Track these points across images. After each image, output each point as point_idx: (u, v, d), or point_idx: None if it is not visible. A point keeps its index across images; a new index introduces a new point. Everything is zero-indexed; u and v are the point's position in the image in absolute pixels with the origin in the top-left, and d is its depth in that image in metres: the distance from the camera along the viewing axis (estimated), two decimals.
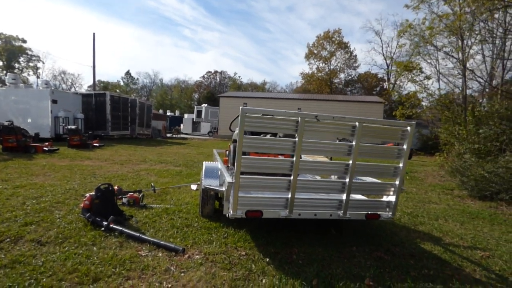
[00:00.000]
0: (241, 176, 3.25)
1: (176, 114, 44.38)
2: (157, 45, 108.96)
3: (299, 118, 3.25)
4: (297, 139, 3.29)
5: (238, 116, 7.65)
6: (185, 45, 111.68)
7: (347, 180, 3.50)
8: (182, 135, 31.64)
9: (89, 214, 4.09)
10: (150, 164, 9.76)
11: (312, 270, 3.15)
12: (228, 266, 3.15)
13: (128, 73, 69.60)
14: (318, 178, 4.84)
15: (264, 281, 2.90)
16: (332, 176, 4.59)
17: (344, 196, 3.55)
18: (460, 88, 13.39)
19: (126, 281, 2.79)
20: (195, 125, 37.70)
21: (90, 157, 10.61)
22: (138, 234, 3.75)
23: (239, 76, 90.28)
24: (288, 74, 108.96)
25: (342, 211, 3.59)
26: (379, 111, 26.97)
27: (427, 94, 12.58)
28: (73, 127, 14.36)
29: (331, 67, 42.26)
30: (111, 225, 3.86)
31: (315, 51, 41.91)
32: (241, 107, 3.13)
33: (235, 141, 5.99)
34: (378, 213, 3.72)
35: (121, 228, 3.84)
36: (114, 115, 19.87)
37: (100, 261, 3.08)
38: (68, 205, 4.80)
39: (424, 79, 12.85)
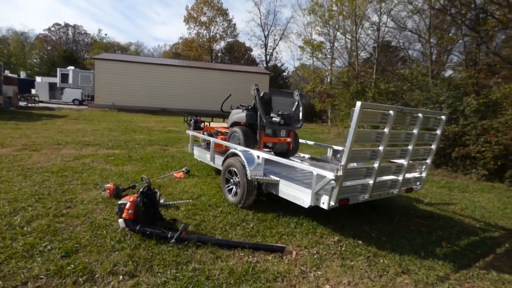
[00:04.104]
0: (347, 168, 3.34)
1: (22, 76, 35.24)
2: None
3: (391, 112, 3.52)
4: (387, 130, 3.57)
5: (230, 95, 7.19)
6: None
7: (406, 162, 4.06)
8: (41, 104, 25.64)
9: (139, 226, 3.31)
10: (75, 148, 7.88)
11: (403, 243, 3.66)
12: (343, 254, 3.30)
13: None
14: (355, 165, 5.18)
15: (385, 261, 3.22)
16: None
17: (401, 177, 4.12)
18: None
19: None
20: (55, 92, 31.18)
21: None
22: (225, 240, 3.35)
23: (106, 34, 77.70)
24: (149, 35, 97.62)
25: (397, 189, 4.17)
26: (265, 83, 28.82)
27: (331, 71, 14.44)
28: None
29: (211, 33, 41.70)
30: (183, 235, 3.27)
31: (195, 15, 40.20)
32: (359, 102, 3.12)
33: (235, 124, 5.69)
34: (413, 187, 4.49)
35: (197, 236, 3.32)
36: None
37: (226, 280, 2.69)
38: (77, 217, 3.63)
39: (325, 58, 14.59)
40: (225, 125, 10.87)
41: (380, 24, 15.19)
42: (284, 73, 44.87)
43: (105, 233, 3.31)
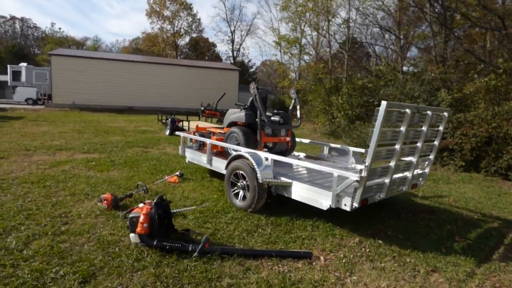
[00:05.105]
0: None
1: None
2: None
3: (408, 110, 3.51)
4: (403, 128, 3.56)
5: (224, 94, 6.90)
6: None
7: (415, 160, 4.12)
8: None
9: (157, 240, 3.03)
10: (48, 153, 7.16)
11: (420, 239, 3.70)
12: (372, 256, 3.26)
13: None
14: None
15: (412, 260, 3.23)
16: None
17: (410, 174, 4.17)
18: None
19: None
20: (4, 91, 28.68)
21: None
22: (250, 249, 3.16)
23: (60, 29, 72.25)
24: (105, 30, 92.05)
25: (406, 186, 4.22)
26: (234, 79, 28.43)
27: (300, 66, 14.53)
28: None
29: (176, 28, 40.33)
30: (206, 247, 3.05)
31: (158, 9, 38.57)
32: (384, 102, 3.07)
33: (232, 123, 5.47)
34: (417, 183, 4.58)
35: (220, 248, 3.11)
36: None
37: None
38: (79, 234, 3.24)
39: (299, 54, 14.66)
40: (202, 124, 10.58)
41: (350, 20, 15.58)
42: (251, 69, 44.73)
43: (118, 250, 2.99)
